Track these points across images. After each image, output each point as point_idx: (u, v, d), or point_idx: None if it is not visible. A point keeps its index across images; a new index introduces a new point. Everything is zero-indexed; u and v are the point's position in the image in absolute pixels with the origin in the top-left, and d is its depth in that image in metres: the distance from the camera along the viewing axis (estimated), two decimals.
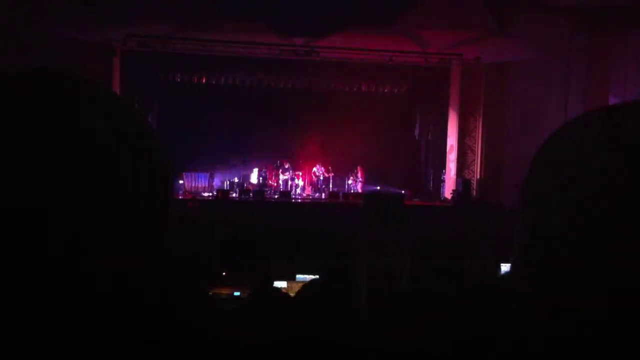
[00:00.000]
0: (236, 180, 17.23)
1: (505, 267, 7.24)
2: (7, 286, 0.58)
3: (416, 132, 18.76)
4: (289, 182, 17.31)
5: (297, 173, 17.51)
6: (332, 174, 17.47)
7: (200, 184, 17.13)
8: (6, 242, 0.58)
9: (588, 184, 0.67)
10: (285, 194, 16.36)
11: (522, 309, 0.73)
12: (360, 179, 17.43)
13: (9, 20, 11.66)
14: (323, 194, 17.06)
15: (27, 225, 0.58)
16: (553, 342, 0.69)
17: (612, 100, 14.16)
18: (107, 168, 0.62)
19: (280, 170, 17.43)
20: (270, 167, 17.67)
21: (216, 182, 17.29)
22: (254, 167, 17.66)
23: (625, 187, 0.64)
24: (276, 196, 16.43)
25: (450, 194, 16.49)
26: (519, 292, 0.75)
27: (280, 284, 6.99)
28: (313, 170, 17.61)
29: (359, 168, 17.47)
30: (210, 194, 16.36)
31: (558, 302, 0.69)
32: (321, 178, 17.49)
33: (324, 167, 17.50)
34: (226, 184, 17.06)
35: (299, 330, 2.23)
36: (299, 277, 7.25)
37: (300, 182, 17.50)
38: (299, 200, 16.45)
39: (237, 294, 7.07)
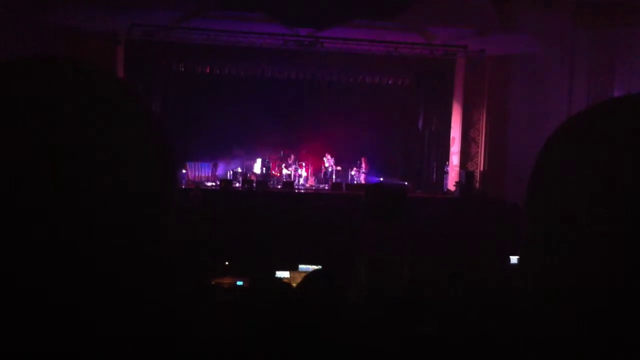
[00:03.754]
0: (239, 170, 17.26)
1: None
2: (5, 286, 0.58)
3: (420, 124, 18.73)
4: (292, 173, 17.32)
5: (300, 163, 17.51)
6: (339, 167, 17.49)
7: (203, 174, 17.15)
8: (5, 239, 0.57)
9: (592, 180, 0.66)
10: (288, 184, 16.37)
11: (525, 308, 0.73)
12: (363, 170, 17.43)
13: (9, 7, 11.60)
14: (326, 185, 17.06)
15: (27, 221, 0.58)
16: (555, 342, 0.69)
17: (617, 94, 14.13)
18: (111, 162, 0.62)
19: (284, 163, 17.43)
20: (273, 157, 17.67)
21: (219, 172, 17.32)
22: (257, 157, 17.67)
23: (630, 182, 0.64)
24: (279, 186, 16.45)
25: (454, 185, 16.47)
26: (522, 290, 0.75)
27: (283, 274, 7.01)
28: (323, 160, 17.61)
29: (362, 159, 17.46)
30: (214, 184, 16.38)
31: (560, 300, 0.69)
32: (329, 170, 17.49)
33: (333, 159, 17.52)
34: (229, 174, 17.09)
35: (300, 321, 2.23)
36: (302, 267, 7.26)
37: (304, 173, 17.50)
38: (302, 191, 16.45)
39: (239, 283, 7.08)
